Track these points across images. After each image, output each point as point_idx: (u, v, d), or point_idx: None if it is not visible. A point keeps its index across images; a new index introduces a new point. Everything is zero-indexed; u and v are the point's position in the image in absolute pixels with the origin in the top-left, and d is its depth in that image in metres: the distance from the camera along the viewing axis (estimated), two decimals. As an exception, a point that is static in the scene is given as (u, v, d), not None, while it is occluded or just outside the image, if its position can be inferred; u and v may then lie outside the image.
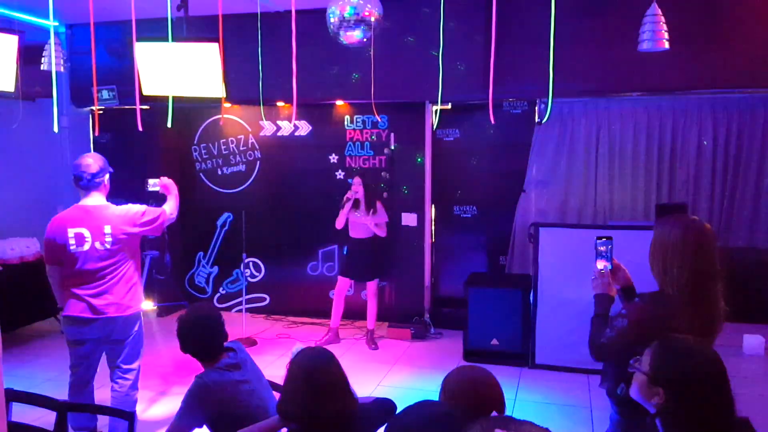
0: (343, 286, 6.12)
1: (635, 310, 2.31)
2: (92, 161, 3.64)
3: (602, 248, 2.49)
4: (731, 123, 6.10)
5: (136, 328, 3.79)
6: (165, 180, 4.06)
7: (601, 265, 2.49)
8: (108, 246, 3.61)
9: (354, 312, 6.45)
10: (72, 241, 3.57)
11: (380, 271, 6.15)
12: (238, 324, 6.24)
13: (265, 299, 7.19)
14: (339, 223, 5.94)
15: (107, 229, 3.60)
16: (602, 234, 2.56)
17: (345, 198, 5.88)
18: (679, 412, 1.68)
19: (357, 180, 5.90)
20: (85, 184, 3.63)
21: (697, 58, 5.12)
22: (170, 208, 3.91)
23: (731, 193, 6.18)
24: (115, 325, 3.67)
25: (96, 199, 3.67)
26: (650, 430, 2.01)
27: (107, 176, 3.73)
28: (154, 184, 4.17)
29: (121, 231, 3.63)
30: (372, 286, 6.07)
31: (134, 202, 3.83)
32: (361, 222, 5.92)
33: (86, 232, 3.58)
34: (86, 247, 3.58)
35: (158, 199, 4.31)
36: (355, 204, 5.87)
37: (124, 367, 3.78)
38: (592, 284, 2.50)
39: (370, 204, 5.86)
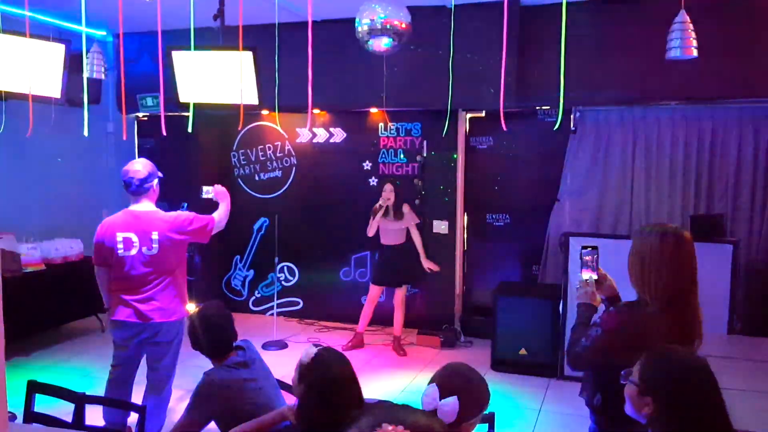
0: (374, 294, 6.15)
1: (609, 319, 2.28)
2: (140, 167, 3.69)
3: (587, 258, 2.46)
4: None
5: (179, 332, 3.83)
6: (219, 188, 4.04)
7: (586, 275, 2.46)
8: (155, 252, 3.65)
9: (385, 318, 6.48)
10: (120, 245, 3.62)
11: (411, 278, 6.18)
12: (270, 327, 6.36)
13: (298, 303, 7.30)
14: (371, 231, 5.99)
15: (155, 235, 3.65)
16: (588, 243, 2.54)
17: (377, 205, 5.93)
18: (670, 421, 1.66)
19: (389, 187, 5.94)
20: (134, 189, 3.67)
21: (732, 67, 5.01)
22: (219, 215, 3.91)
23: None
24: (161, 329, 3.72)
25: (145, 205, 3.72)
26: None
27: (156, 181, 3.77)
28: (207, 191, 4.08)
29: (168, 237, 3.67)
30: (399, 293, 6.10)
31: (169, 207, 3.91)
32: (393, 228, 5.97)
33: (134, 237, 3.63)
34: (134, 251, 3.64)
35: (210, 206, 4.17)
36: (386, 211, 5.93)
37: (164, 366, 3.84)
38: (576, 294, 2.48)
39: (396, 209, 5.91)
